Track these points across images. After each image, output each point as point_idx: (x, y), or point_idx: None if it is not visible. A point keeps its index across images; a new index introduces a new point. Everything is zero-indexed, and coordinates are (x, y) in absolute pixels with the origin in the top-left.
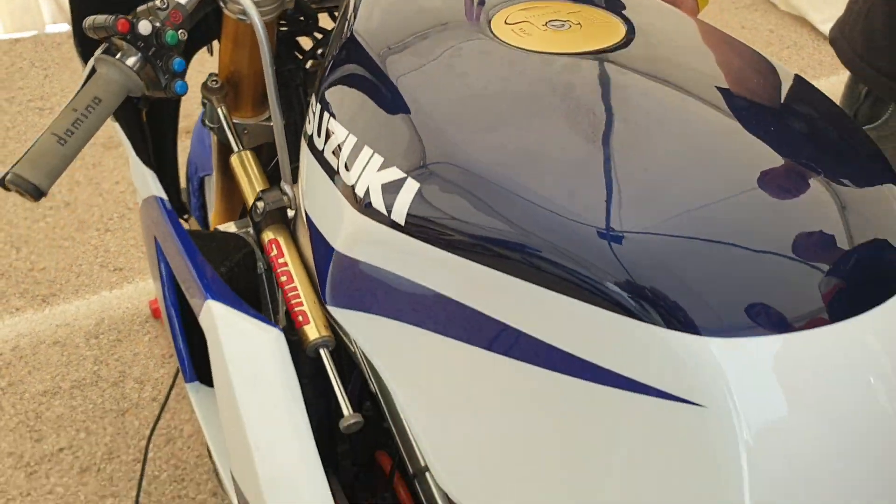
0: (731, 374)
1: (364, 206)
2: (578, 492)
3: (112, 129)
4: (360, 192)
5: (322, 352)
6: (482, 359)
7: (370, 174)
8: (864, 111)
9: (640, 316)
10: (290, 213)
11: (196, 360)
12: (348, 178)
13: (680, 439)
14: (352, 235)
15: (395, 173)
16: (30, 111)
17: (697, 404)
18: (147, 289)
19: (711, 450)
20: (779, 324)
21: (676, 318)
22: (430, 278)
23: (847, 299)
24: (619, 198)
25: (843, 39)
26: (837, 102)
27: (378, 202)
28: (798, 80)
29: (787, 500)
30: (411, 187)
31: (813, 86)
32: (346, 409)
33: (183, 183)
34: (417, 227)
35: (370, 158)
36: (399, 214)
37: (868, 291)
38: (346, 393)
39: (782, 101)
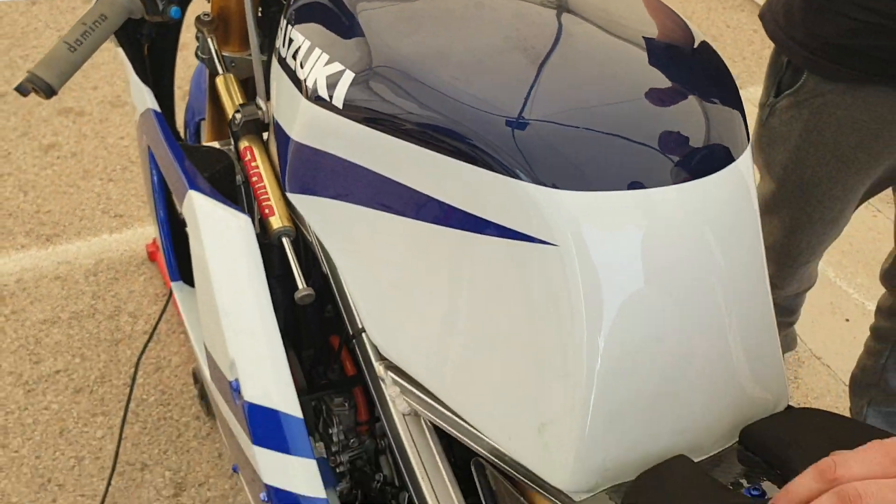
0: (582, 220)
1: (313, 96)
2: (466, 328)
3: (119, 89)
4: (310, 84)
5: (284, 240)
6: (398, 224)
7: (318, 69)
8: (787, 79)
9: (516, 175)
10: (266, 136)
11: (180, 263)
12: (302, 74)
13: (537, 275)
14: (304, 123)
15: (336, 67)
16: None
17: (552, 244)
18: (145, 234)
19: (560, 284)
20: (628, 182)
21: (543, 176)
22: (361, 155)
23: (688, 166)
24: (511, 91)
25: (769, 14)
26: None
27: (323, 91)
28: (693, 33)
29: (623, 335)
30: (348, 77)
31: (705, 40)
32: (300, 283)
33: (182, 130)
34: (352, 109)
35: (319, 56)
36: (338, 100)
37: (707, 161)
38: (303, 272)
39: (674, 45)
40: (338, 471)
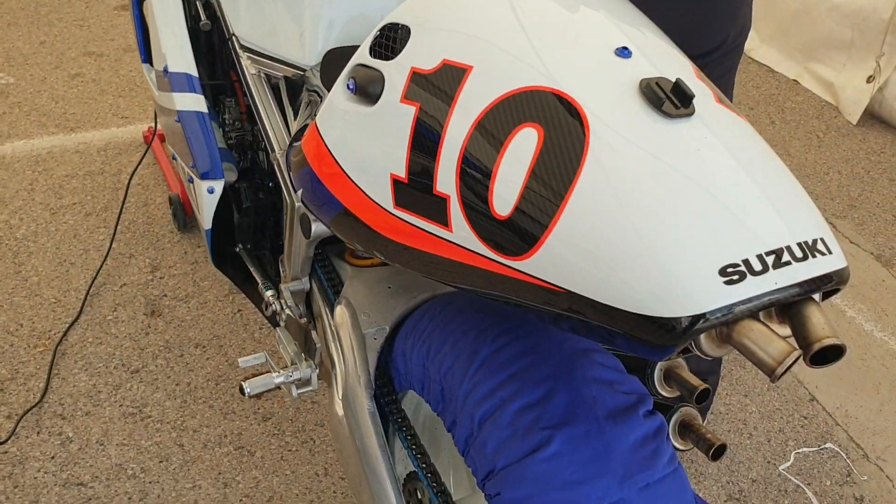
0: None
1: None
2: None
3: (130, 41)
4: None
5: None
6: None
7: None
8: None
9: None
10: None
11: (147, 49)
12: None
13: None
14: None
15: None
16: (72, 26)
17: None
18: (143, 128)
19: None
20: None
21: None
22: None
23: None
24: None
25: None
26: None
27: None
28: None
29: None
30: None
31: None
32: (203, 15)
33: None
34: None
35: None
36: None
37: None
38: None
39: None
40: (229, 143)
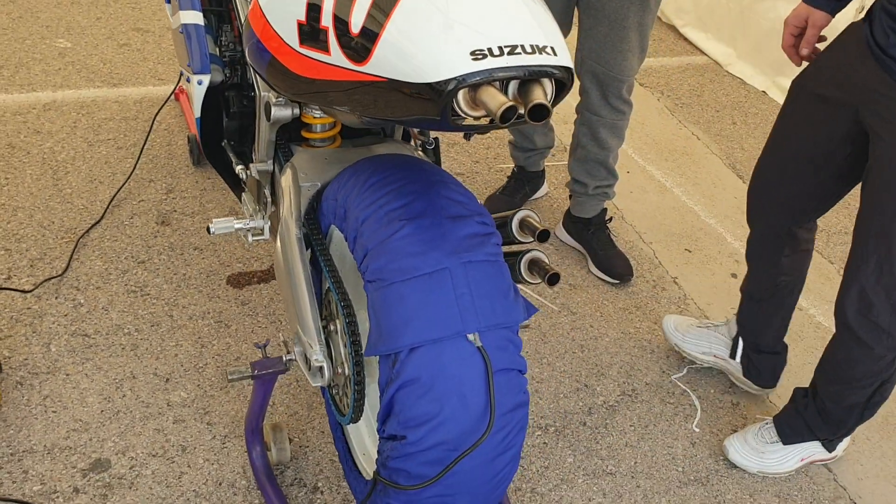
0: None
1: None
2: None
3: None
4: None
5: None
6: None
7: None
8: None
9: None
10: None
11: None
12: None
13: None
14: None
15: None
16: (126, 7)
17: None
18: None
19: None
20: None
21: None
22: None
23: None
24: None
25: None
26: None
27: None
28: None
29: None
30: None
31: None
32: None
33: None
34: None
35: None
36: None
37: None
38: None
39: None
40: (224, 60)
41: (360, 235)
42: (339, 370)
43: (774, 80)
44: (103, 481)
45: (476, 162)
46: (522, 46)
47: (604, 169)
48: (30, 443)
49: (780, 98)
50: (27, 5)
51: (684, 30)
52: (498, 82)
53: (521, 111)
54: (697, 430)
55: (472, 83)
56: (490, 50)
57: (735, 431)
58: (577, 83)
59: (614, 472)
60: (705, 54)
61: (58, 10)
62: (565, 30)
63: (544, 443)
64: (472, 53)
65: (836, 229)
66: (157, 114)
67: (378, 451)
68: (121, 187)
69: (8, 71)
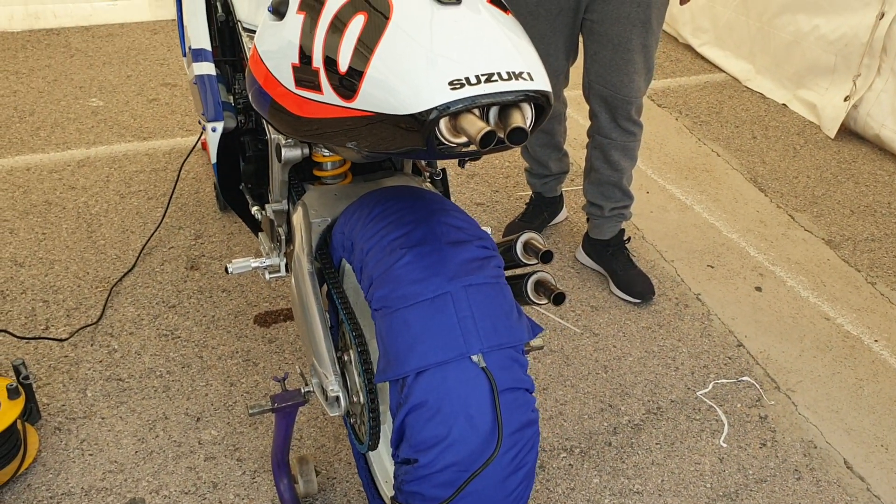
0: None
1: None
2: None
3: None
4: None
5: None
6: None
7: None
8: None
9: None
10: None
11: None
12: None
13: None
14: None
15: None
16: (154, 64)
17: None
18: (201, 139)
19: None
20: None
21: None
22: None
23: None
24: None
25: None
26: None
27: None
28: None
29: None
30: None
31: None
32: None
33: None
34: None
35: None
36: None
37: None
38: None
39: None
40: (237, 107)
41: (365, 266)
42: (355, 399)
43: (795, 92)
44: None
45: (496, 191)
46: (499, 73)
47: (618, 191)
48: (68, 485)
49: (802, 111)
50: (62, 69)
51: (702, 49)
52: (478, 109)
53: (501, 135)
54: (725, 445)
55: (453, 111)
56: (468, 79)
57: (764, 446)
58: (586, 108)
59: (641, 490)
60: (724, 71)
61: (90, 71)
62: (572, 56)
63: (570, 464)
64: (451, 83)
65: (862, 237)
66: (182, 163)
67: (394, 476)
68: (151, 236)
69: (44, 132)
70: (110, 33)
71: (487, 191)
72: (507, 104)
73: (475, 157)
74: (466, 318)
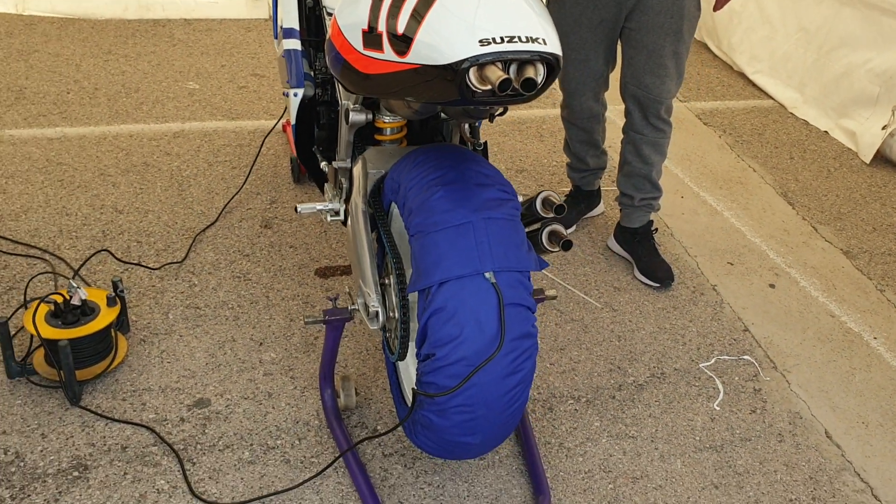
0: None
1: None
2: None
3: None
4: None
5: None
6: None
7: None
8: None
9: None
10: None
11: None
12: None
13: None
14: None
15: None
16: (246, 56)
17: None
18: (283, 122)
19: None
20: None
21: None
22: None
23: None
24: None
25: None
26: None
27: None
28: None
29: None
30: None
31: None
32: None
33: None
34: None
35: None
36: None
37: None
38: None
39: None
40: (316, 81)
41: (407, 200)
42: (391, 314)
43: (838, 121)
44: (204, 415)
45: (541, 185)
46: (520, 37)
47: (648, 183)
48: (148, 383)
49: (843, 139)
50: (165, 55)
51: (754, 76)
52: (501, 63)
53: (516, 85)
54: (718, 408)
55: (481, 63)
56: (494, 38)
57: (754, 412)
58: (621, 107)
59: (636, 436)
60: (772, 98)
61: (189, 59)
62: (611, 62)
63: (576, 409)
64: (480, 41)
65: (880, 251)
66: (264, 140)
67: (416, 372)
68: (232, 197)
69: (147, 106)
70: (209, 27)
71: (533, 185)
72: (524, 61)
73: (502, 109)
74: (483, 243)
